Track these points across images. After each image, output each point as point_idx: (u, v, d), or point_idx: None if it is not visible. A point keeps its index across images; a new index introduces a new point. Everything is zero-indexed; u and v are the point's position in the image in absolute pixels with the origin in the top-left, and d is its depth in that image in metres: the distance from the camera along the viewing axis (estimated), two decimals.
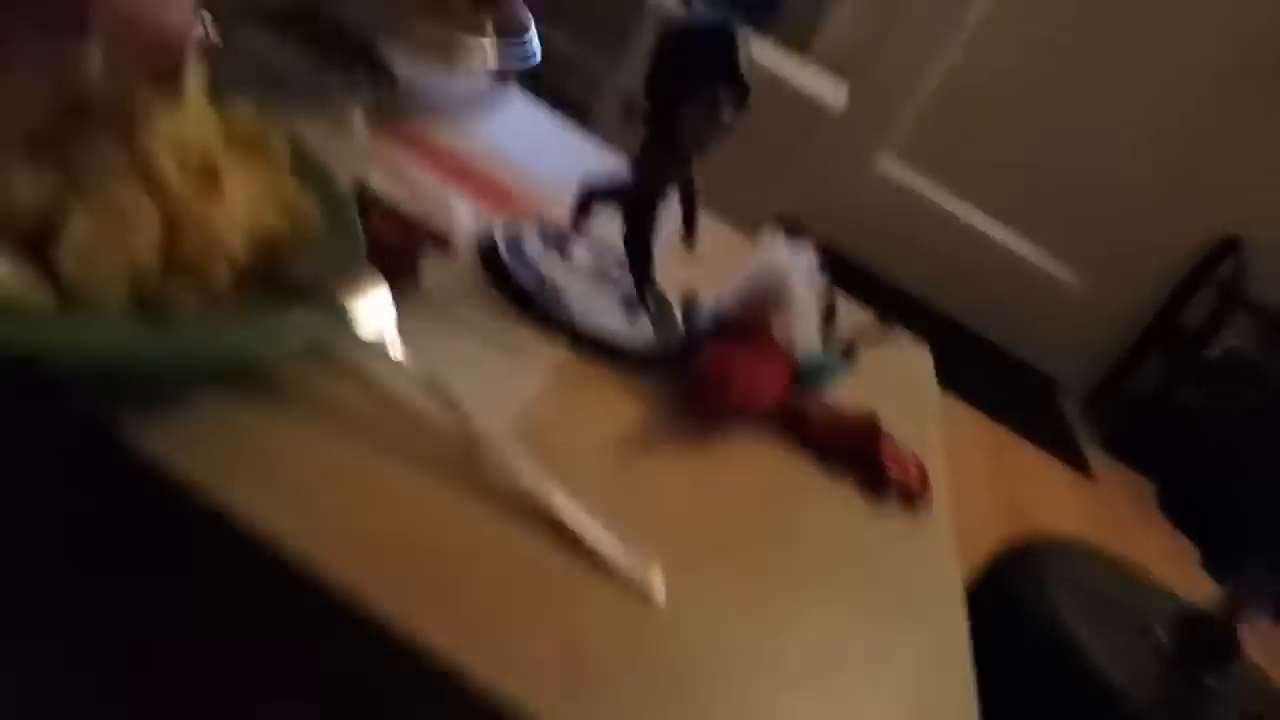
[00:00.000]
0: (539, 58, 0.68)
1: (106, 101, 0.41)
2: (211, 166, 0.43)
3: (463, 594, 0.39)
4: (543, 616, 0.40)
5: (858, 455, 0.64)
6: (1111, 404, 2.92)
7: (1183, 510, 2.79)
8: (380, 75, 0.66)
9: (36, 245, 0.37)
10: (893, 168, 2.91)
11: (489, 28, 0.67)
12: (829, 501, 0.61)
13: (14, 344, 0.34)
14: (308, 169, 0.49)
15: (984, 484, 2.15)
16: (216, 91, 0.50)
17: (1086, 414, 2.94)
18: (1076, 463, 2.60)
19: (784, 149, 2.31)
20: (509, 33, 0.69)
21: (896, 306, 2.79)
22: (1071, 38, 2.71)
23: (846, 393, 0.70)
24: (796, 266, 0.62)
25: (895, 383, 0.80)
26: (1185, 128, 2.73)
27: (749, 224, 2.63)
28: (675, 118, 0.55)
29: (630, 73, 2.42)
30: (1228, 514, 2.69)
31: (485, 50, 0.63)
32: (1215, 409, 2.78)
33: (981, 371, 2.81)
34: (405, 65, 0.65)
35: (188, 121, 0.44)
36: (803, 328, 0.62)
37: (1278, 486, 2.59)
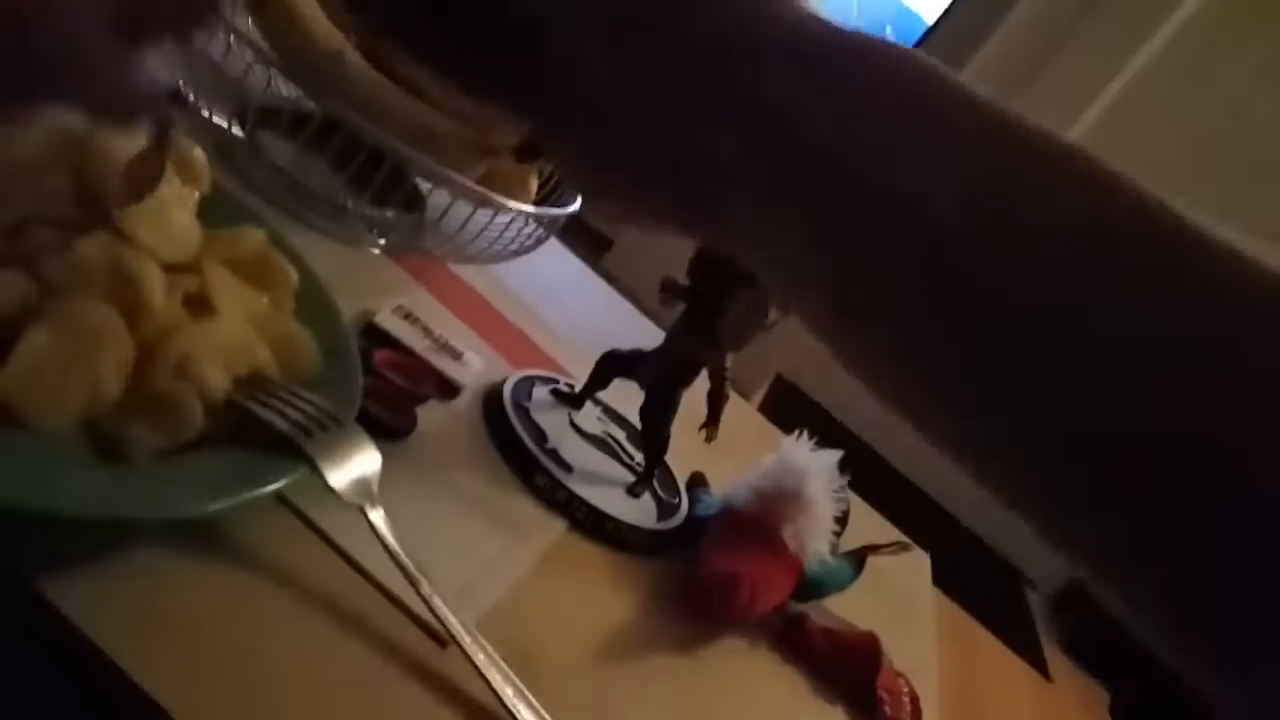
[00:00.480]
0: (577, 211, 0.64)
1: (96, 202, 0.35)
2: (205, 294, 0.37)
3: None
4: None
5: (854, 681, 0.56)
6: (1076, 608, 2.83)
7: None
8: (411, 206, 0.61)
9: None
10: None
11: (533, 184, 0.63)
12: None
13: None
14: (314, 302, 0.43)
15: (949, 673, 2.04)
16: (227, 200, 0.45)
17: (1051, 615, 2.84)
18: (1036, 663, 2.49)
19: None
20: (555, 188, 0.64)
21: (882, 480, 2.74)
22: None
23: (845, 601, 0.63)
24: (818, 470, 0.56)
25: (895, 593, 0.73)
26: None
27: (756, 372, 2.58)
28: (719, 308, 0.49)
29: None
30: None
31: (524, 210, 0.58)
32: None
33: (958, 558, 2.73)
34: (438, 201, 0.60)
35: (186, 238, 0.38)
36: (815, 535, 0.55)
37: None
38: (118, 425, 0.32)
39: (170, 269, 0.37)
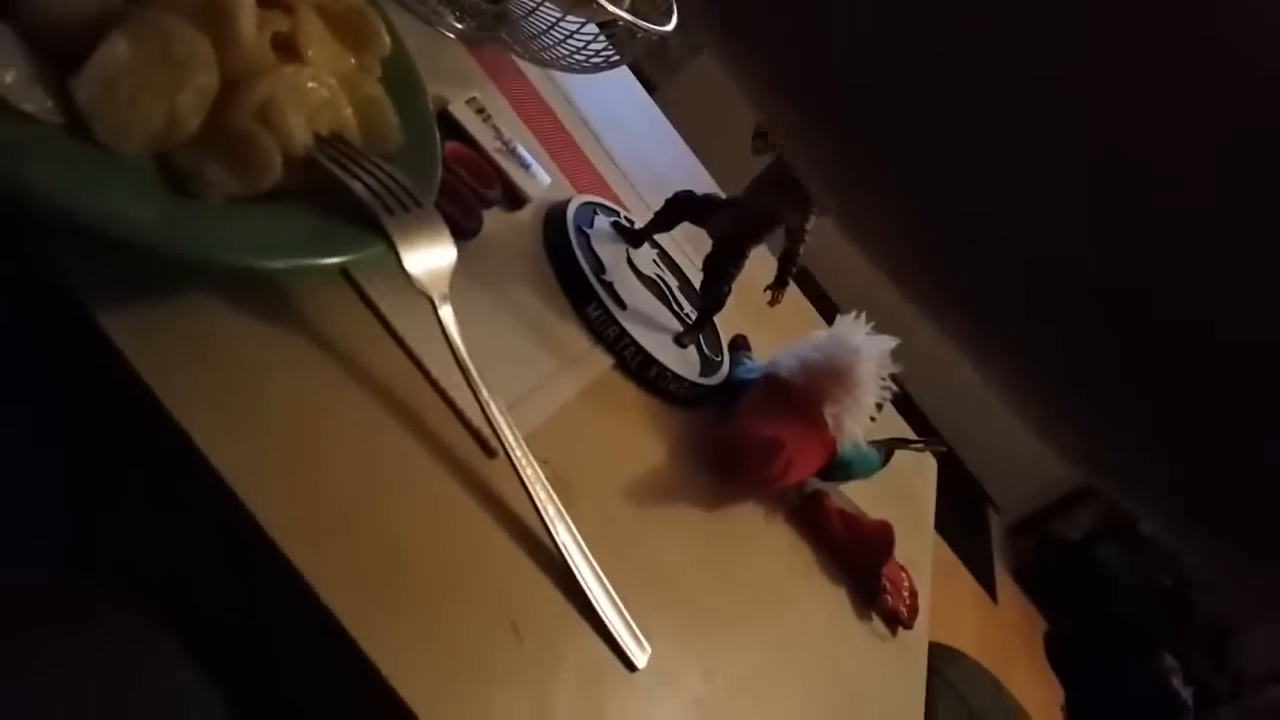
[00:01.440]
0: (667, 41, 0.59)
1: None
2: (295, 38, 0.34)
3: (425, 610, 0.31)
4: (511, 667, 0.32)
5: (861, 565, 0.56)
6: (1034, 539, 2.90)
7: (1062, 656, 2.78)
8: None
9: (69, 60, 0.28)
10: None
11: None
12: (820, 606, 0.53)
13: None
14: (400, 75, 0.40)
15: None
16: None
17: (1009, 540, 2.91)
18: (986, 584, 2.57)
19: None
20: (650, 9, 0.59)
21: None
22: None
23: (856, 489, 0.62)
24: (871, 353, 0.54)
25: (903, 489, 0.73)
26: None
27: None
28: None
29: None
30: (1101, 677, 2.69)
31: (618, 21, 0.53)
32: (1126, 579, 2.77)
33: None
34: None
35: None
36: (855, 417, 0.54)
37: (1155, 675, 2.58)
38: (193, 162, 0.30)
39: (262, 3, 0.34)
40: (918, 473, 0.80)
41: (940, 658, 1.59)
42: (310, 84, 0.34)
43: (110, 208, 0.27)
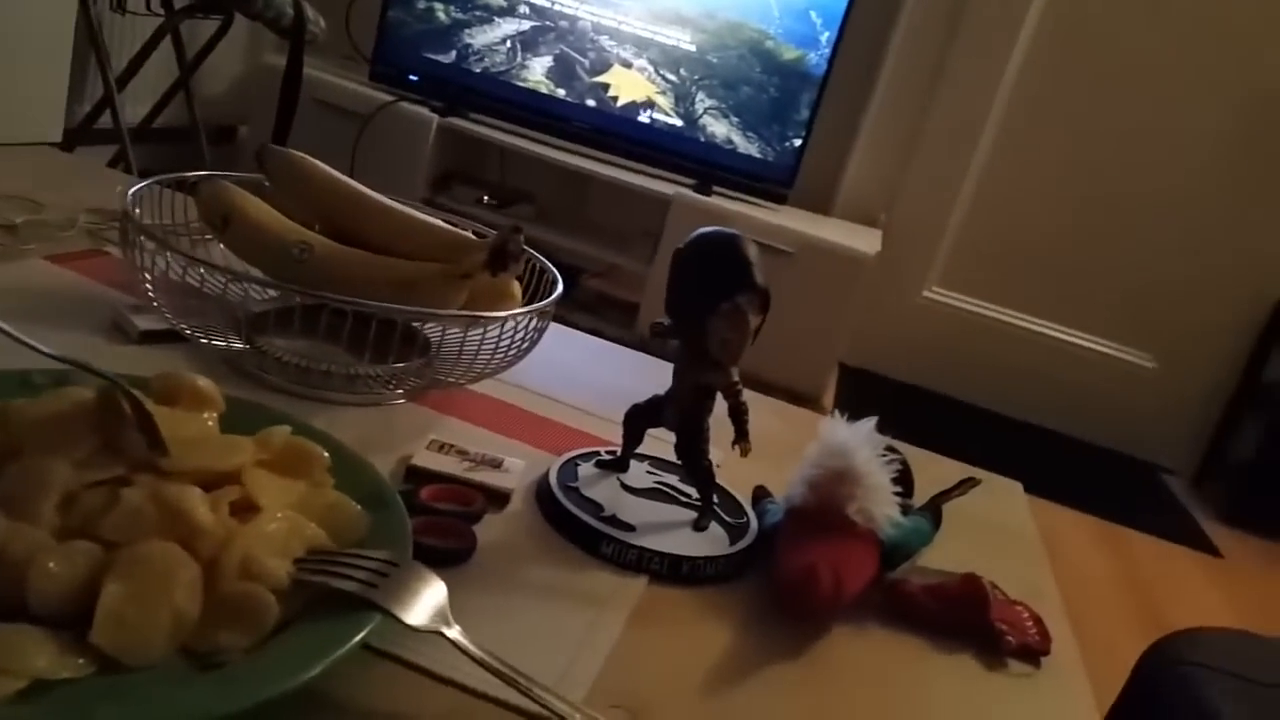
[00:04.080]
0: (562, 293, 0.67)
1: (133, 454, 0.39)
2: (247, 497, 0.40)
3: None
4: None
5: (967, 623, 0.57)
6: (1218, 476, 2.72)
7: None
8: (413, 350, 0.64)
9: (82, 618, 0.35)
10: (940, 294, 2.87)
11: (516, 289, 0.66)
12: (948, 680, 0.53)
13: None
14: (349, 467, 0.47)
15: (1114, 589, 1.98)
16: (246, 407, 0.49)
17: (1196, 492, 2.73)
18: (1201, 544, 2.40)
19: (834, 299, 2.31)
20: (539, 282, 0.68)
21: (979, 428, 2.70)
22: (1086, 128, 2.69)
23: (943, 554, 0.63)
24: (859, 442, 0.57)
25: (991, 530, 0.73)
26: (1215, 188, 2.66)
27: (820, 371, 2.59)
28: (703, 331, 0.52)
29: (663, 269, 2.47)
30: None
31: (514, 316, 0.61)
32: None
33: (1084, 473, 2.67)
34: (436, 336, 0.64)
35: (219, 453, 0.42)
36: (879, 503, 0.56)
37: None
38: (207, 640, 0.36)
39: (212, 485, 0.41)
40: (1003, 503, 0.79)
41: (1186, 648, 1.47)
42: (272, 526, 0.40)
43: (171, 714, 0.32)
